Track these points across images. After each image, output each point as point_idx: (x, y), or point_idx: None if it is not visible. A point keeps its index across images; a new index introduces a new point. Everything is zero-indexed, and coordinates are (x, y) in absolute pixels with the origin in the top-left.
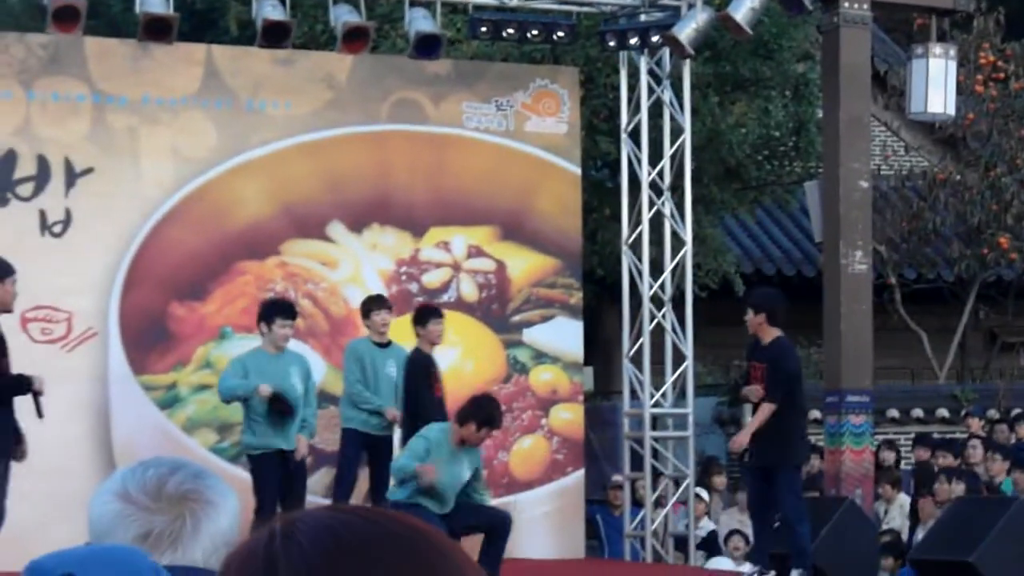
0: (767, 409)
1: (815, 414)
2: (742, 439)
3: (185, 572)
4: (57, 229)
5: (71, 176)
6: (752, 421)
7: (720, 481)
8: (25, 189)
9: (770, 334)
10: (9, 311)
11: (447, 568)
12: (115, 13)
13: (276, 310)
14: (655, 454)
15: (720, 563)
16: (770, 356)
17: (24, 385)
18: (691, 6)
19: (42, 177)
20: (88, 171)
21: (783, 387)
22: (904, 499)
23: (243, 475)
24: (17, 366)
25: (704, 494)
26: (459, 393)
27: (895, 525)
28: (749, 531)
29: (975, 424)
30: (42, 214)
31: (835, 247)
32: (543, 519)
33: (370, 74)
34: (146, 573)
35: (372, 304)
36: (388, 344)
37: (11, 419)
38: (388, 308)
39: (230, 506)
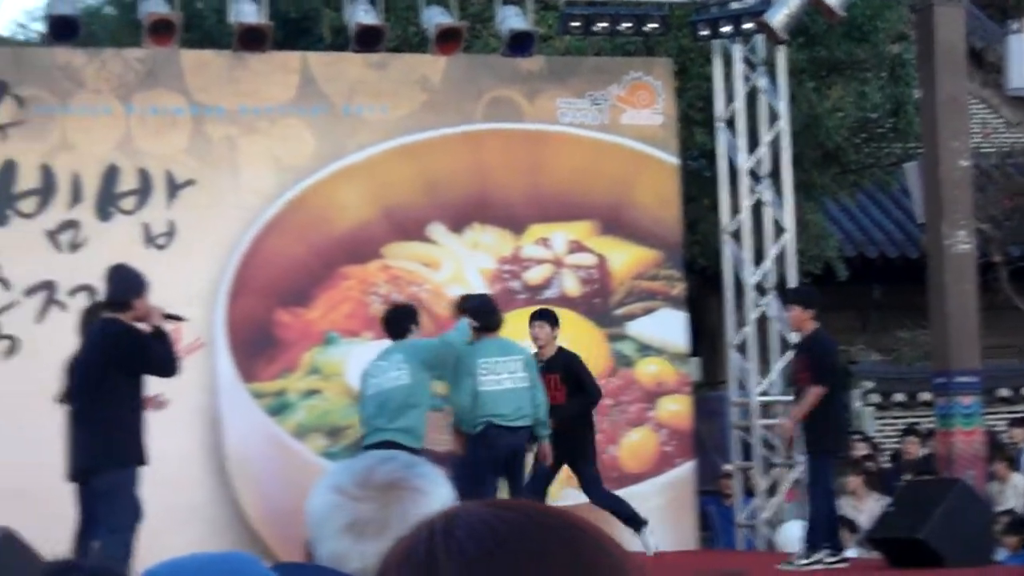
0: (816, 392)
1: (924, 396)
2: (789, 425)
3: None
4: (161, 241)
5: (173, 188)
6: (800, 406)
7: None
8: (128, 203)
9: (810, 327)
10: (148, 325)
11: (606, 563)
12: (210, 25)
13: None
14: (764, 442)
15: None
16: (811, 346)
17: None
18: None
19: (144, 190)
20: (189, 183)
21: (828, 372)
22: (1019, 479)
23: None
24: None
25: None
26: None
27: (1012, 505)
28: (857, 516)
29: None
30: (146, 227)
31: (937, 228)
32: (654, 512)
33: (464, 74)
34: None
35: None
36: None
37: (140, 424)
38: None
39: (440, 494)
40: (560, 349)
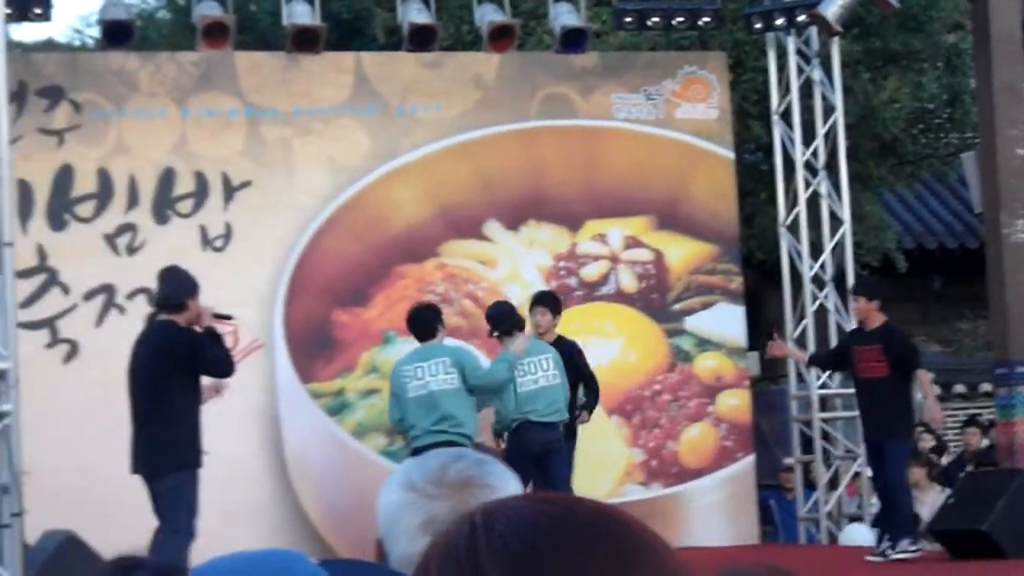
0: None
1: (985, 387)
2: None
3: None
4: (218, 244)
5: (229, 190)
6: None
7: None
8: (185, 206)
9: (879, 319)
10: (199, 326)
11: (649, 557)
12: (263, 27)
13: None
14: (825, 435)
15: (855, 532)
16: (887, 336)
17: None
18: None
19: (201, 193)
20: (245, 184)
21: (912, 358)
22: None
23: None
24: None
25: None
26: (621, 384)
27: None
28: (920, 509)
29: None
30: (203, 229)
31: (995, 217)
32: (715, 507)
33: (518, 72)
34: None
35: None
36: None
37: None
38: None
39: (511, 491)
40: (559, 337)
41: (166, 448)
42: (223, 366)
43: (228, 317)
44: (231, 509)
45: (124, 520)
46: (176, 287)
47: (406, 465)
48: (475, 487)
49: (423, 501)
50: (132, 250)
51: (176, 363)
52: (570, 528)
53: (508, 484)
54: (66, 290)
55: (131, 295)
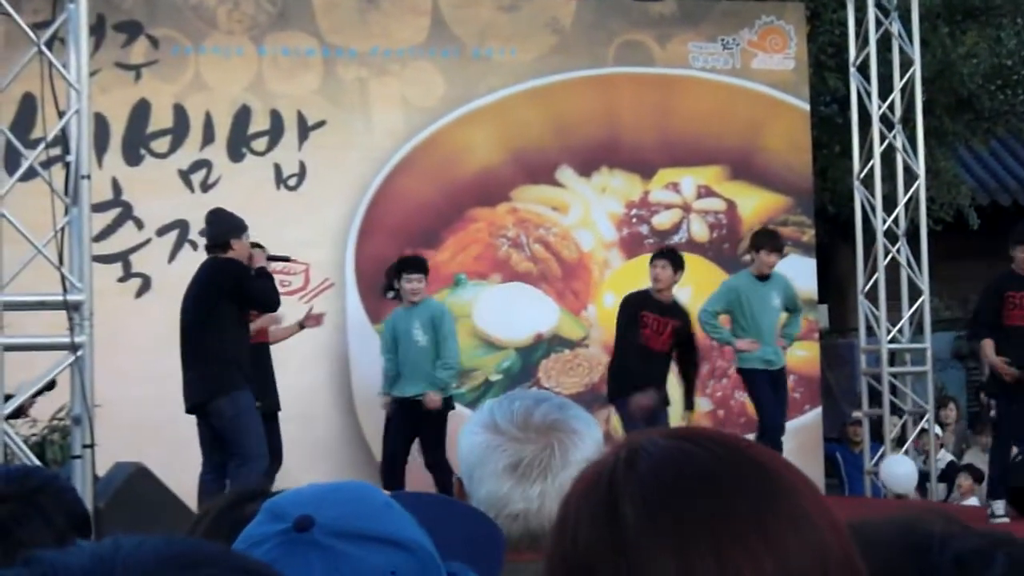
0: None
1: None
2: None
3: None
4: (292, 182)
5: (304, 129)
6: None
7: (951, 415)
8: (260, 144)
9: None
10: (252, 268)
11: (787, 506)
12: None
13: (403, 265)
14: (893, 390)
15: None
16: None
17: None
18: None
19: (275, 131)
20: (320, 124)
21: None
22: None
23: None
24: None
25: (938, 430)
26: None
27: None
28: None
29: None
30: (277, 168)
31: None
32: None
33: (595, 17)
34: (380, 508)
35: None
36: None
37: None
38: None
39: (594, 435)
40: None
41: (217, 378)
42: (268, 299)
43: (285, 259)
44: (298, 446)
45: (192, 453)
46: (221, 227)
47: (488, 407)
48: (560, 431)
49: (509, 444)
50: (206, 187)
51: (221, 293)
52: (712, 473)
53: (591, 428)
54: (140, 225)
55: (204, 231)
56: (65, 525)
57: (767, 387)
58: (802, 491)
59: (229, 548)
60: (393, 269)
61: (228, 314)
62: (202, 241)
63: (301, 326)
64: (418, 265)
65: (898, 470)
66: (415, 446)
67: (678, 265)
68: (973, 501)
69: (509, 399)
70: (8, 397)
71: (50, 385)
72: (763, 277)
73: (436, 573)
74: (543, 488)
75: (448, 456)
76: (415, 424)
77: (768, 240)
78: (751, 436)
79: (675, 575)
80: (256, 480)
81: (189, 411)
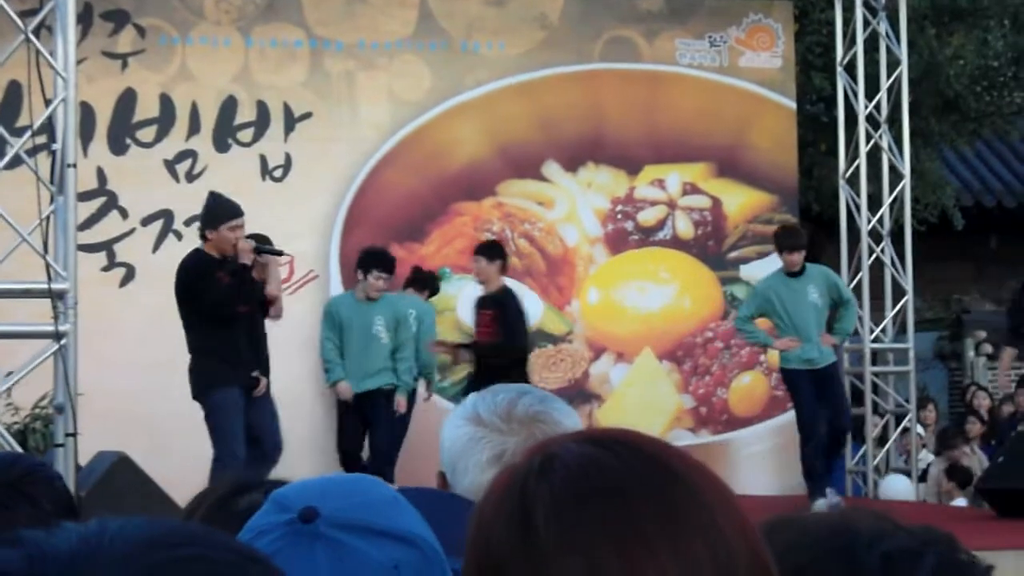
0: None
1: None
2: None
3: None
4: (277, 174)
5: (290, 121)
6: None
7: (931, 416)
8: (245, 135)
9: None
10: (232, 256)
11: (697, 512)
12: None
13: (374, 261)
14: (875, 389)
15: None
16: None
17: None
18: None
19: (262, 123)
20: (306, 116)
21: None
22: None
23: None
24: None
25: (920, 429)
26: (674, 331)
27: None
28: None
29: None
30: (263, 159)
31: None
32: (763, 456)
33: (582, 13)
34: (386, 502)
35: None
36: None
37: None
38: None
39: (576, 427)
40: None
41: (196, 375)
42: (216, 308)
43: (278, 252)
44: (284, 440)
45: (175, 444)
46: (204, 215)
47: (471, 400)
48: (542, 423)
49: (492, 436)
50: (191, 177)
51: (186, 291)
52: (620, 481)
53: (572, 420)
54: (124, 214)
55: (188, 221)
56: (52, 512)
57: (806, 388)
58: (712, 497)
59: (214, 529)
60: (368, 257)
61: (200, 309)
62: (186, 231)
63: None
64: (389, 265)
65: (897, 486)
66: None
67: (493, 256)
68: (960, 502)
69: (492, 392)
70: None
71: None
72: (795, 273)
73: (440, 569)
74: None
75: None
76: (366, 416)
77: (786, 240)
78: (729, 435)
79: None
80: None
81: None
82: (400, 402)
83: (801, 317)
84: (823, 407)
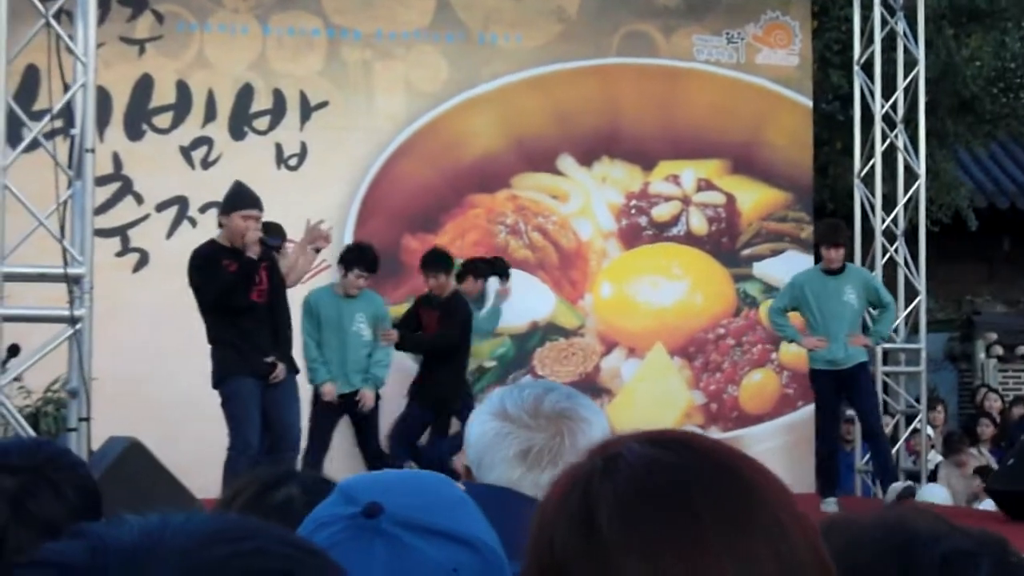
0: None
1: None
2: None
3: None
4: (293, 162)
5: (306, 110)
6: None
7: (939, 418)
8: (261, 123)
9: None
10: (241, 247)
11: (761, 514)
12: None
13: (357, 260)
14: (886, 389)
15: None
16: None
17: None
18: None
19: (278, 111)
20: (323, 105)
21: None
22: None
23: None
24: None
25: (929, 431)
26: (686, 327)
27: None
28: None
29: None
30: (278, 147)
31: None
32: (773, 453)
33: (600, 7)
34: (452, 503)
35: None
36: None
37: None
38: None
39: (601, 424)
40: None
41: (214, 363)
42: (222, 291)
43: (276, 248)
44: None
45: (186, 430)
46: (223, 202)
47: (498, 395)
48: (569, 419)
49: (520, 431)
50: (207, 164)
51: (192, 283)
52: (685, 482)
53: (598, 417)
54: (139, 199)
55: (203, 208)
56: (76, 499)
57: (827, 389)
58: (776, 499)
59: (269, 523)
60: (351, 253)
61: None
62: (201, 218)
63: (316, 250)
64: (372, 264)
65: (935, 494)
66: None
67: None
68: (988, 504)
69: (519, 388)
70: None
71: (14, 351)
72: (833, 271)
73: (500, 574)
74: (553, 475)
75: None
76: (353, 417)
77: (827, 235)
78: (739, 432)
79: None
80: (233, 468)
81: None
82: (368, 396)
83: (832, 316)
84: (854, 409)
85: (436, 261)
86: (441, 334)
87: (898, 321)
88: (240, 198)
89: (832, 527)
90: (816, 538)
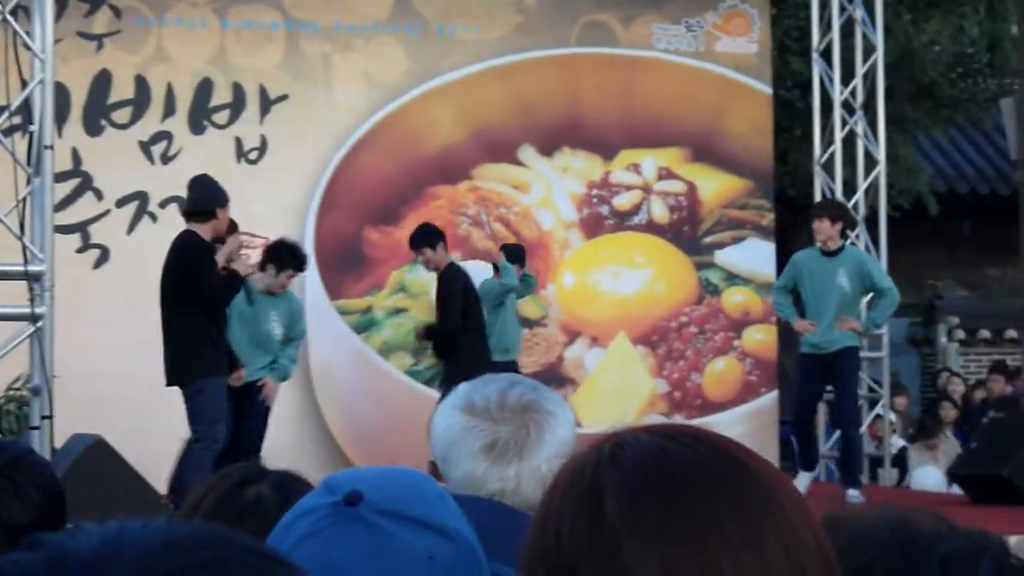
0: None
1: (1011, 334)
2: None
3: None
4: (253, 156)
5: (266, 103)
6: None
7: (901, 403)
8: (221, 117)
9: None
10: (220, 239)
11: (772, 508)
12: None
13: (292, 262)
14: None
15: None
16: None
17: (236, 280)
18: None
19: (237, 105)
20: (282, 98)
21: None
22: None
23: (436, 396)
24: None
25: (892, 415)
26: (648, 315)
27: None
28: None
29: None
30: (238, 141)
31: None
32: (737, 440)
33: None
34: (431, 496)
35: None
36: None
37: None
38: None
39: (566, 416)
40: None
41: (184, 358)
42: (213, 301)
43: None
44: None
45: (150, 426)
46: (207, 194)
47: (463, 390)
48: (534, 412)
49: (485, 424)
50: (167, 158)
51: (185, 273)
52: (694, 470)
53: (563, 409)
54: (99, 195)
55: (164, 203)
56: (39, 500)
57: (806, 372)
58: (782, 490)
59: (233, 531)
60: (286, 254)
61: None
62: (161, 213)
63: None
64: (304, 265)
65: (927, 478)
66: None
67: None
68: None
69: (484, 382)
70: None
71: None
72: (830, 252)
73: (476, 566)
74: (519, 468)
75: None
76: (244, 406)
77: (813, 207)
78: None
79: (656, 570)
80: (200, 461)
81: (168, 385)
82: (271, 385)
83: (822, 298)
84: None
85: (416, 237)
86: (440, 322)
87: (860, 306)
88: (222, 193)
89: (831, 524)
90: (820, 532)
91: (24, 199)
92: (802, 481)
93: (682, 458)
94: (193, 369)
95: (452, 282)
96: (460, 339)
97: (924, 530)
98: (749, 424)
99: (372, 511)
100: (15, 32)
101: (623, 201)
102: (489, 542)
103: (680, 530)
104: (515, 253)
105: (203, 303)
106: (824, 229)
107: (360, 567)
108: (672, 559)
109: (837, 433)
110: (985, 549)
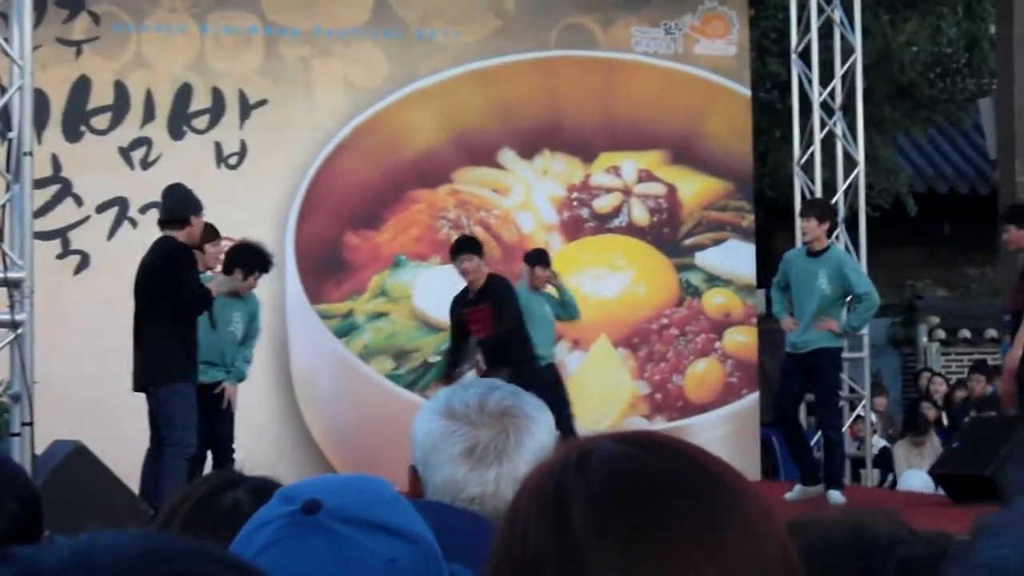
0: None
1: (991, 333)
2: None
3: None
4: (233, 161)
5: (245, 108)
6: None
7: (881, 403)
8: (200, 122)
9: None
10: (197, 247)
11: (738, 518)
12: None
13: (257, 263)
14: None
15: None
16: None
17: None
18: None
19: (217, 110)
20: (262, 103)
21: None
22: None
23: (420, 401)
24: None
25: (872, 416)
26: (629, 317)
27: None
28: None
29: None
30: (218, 146)
31: (1010, 164)
32: (718, 442)
33: (538, 1)
34: (388, 500)
35: None
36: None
37: (189, 341)
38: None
39: (546, 421)
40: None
41: (158, 363)
42: (192, 305)
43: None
44: (236, 425)
45: (130, 432)
46: (181, 202)
47: (443, 394)
48: (514, 416)
49: (466, 429)
50: (147, 164)
51: (166, 274)
52: (659, 480)
53: (543, 414)
54: (79, 201)
55: (144, 209)
56: (16, 509)
57: (785, 371)
58: (748, 500)
59: (205, 542)
60: (253, 257)
61: (172, 299)
62: (141, 219)
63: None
64: (269, 266)
65: (915, 481)
66: None
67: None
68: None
69: (464, 387)
70: None
71: None
72: (815, 253)
73: (437, 566)
74: (498, 472)
75: None
76: (214, 412)
77: (803, 207)
78: (684, 422)
79: None
80: (175, 466)
81: (135, 391)
82: (230, 390)
83: (803, 298)
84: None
85: (466, 244)
86: (498, 324)
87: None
88: (197, 202)
89: (796, 527)
90: (786, 539)
91: (3, 205)
92: (796, 492)
93: (648, 467)
94: (165, 374)
95: (505, 287)
96: (515, 348)
97: (882, 534)
98: (730, 425)
99: (331, 518)
100: None
101: (603, 204)
102: (443, 543)
103: (643, 540)
104: (536, 258)
105: (183, 307)
106: (811, 229)
107: (322, 574)
108: (634, 568)
109: (818, 434)
110: (944, 552)
